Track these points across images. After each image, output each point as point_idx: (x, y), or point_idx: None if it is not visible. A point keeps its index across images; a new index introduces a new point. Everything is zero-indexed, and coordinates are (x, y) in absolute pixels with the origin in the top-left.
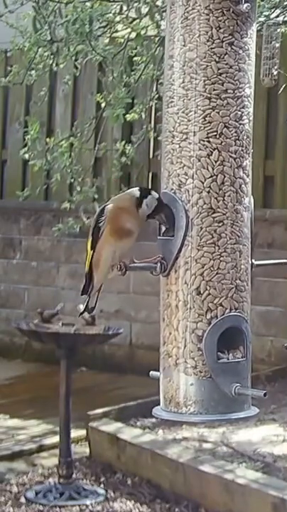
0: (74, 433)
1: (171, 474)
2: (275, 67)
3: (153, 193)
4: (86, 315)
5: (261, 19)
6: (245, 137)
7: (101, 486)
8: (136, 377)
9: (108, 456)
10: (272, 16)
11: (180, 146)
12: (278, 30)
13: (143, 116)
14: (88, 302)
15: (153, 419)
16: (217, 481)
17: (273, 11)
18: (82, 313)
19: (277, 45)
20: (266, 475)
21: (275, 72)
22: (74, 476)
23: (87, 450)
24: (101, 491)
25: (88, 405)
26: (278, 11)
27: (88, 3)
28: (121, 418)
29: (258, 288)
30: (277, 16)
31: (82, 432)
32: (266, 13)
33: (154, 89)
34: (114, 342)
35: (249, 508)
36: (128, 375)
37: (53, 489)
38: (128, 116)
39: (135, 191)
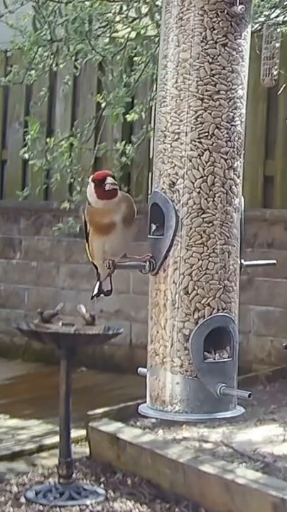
0: (74, 433)
1: (171, 474)
2: (276, 67)
3: (89, 180)
4: (86, 314)
5: (261, 19)
6: (237, 138)
7: (101, 486)
8: (136, 377)
9: (108, 456)
10: (272, 16)
11: (171, 146)
12: (278, 30)
13: (143, 116)
14: (101, 286)
15: (153, 419)
16: (217, 481)
17: (273, 11)
18: (96, 296)
19: (277, 45)
20: (266, 475)
21: (275, 72)
22: (74, 476)
23: (87, 450)
24: (101, 491)
25: (88, 405)
26: (278, 11)
27: (87, 3)
28: (121, 418)
29: (258, 288)
30: (277, 16)
31: (82, 432)
32: (266, 13)
33: (154, 89)
34: (114, 342)
35: (249, 508)
36: (128, 375)
37: (53, 489)
38: (128, 117)
39: None
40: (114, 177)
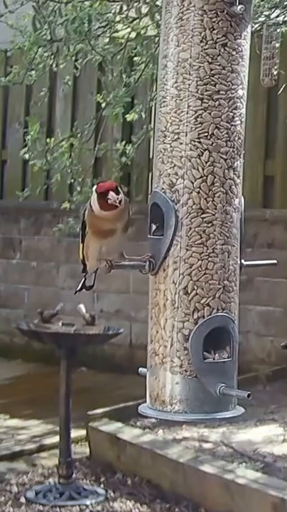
0: (74, 433)
1: (171, 474)
2: (275, 67)
3: (93, 188)
4: (86, 314)
5: (261, 19)
6: (236, 138)
7: (101, 486)
8: (136, 377)
9: (108, 456)
10: (272, 16)
11: (171, 146)
12: (278, 30)
13: (143, 116)
14: (85, 281)
15: (153, 419)
16: (217, 481)
17: (273, 11)
18: (79, 290)
19: (277, 45)
20: (266, 475)
21: (275, 72)
22: (74, 476)
23: (87, 450)
24: (101, 491)
25: (88, 405)
26: (278, 11)
27: (87, 3)
28: (121, 418)
29: (258, 288)
30: (277, 16)
31: (82, 432)
32: (266, 13)
33: (154, 89)
34: (114, 342)
35: (249, 508)
36: (128, 375)
37: (53, 489)
38: (128, 116)
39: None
40: (118, 188)
